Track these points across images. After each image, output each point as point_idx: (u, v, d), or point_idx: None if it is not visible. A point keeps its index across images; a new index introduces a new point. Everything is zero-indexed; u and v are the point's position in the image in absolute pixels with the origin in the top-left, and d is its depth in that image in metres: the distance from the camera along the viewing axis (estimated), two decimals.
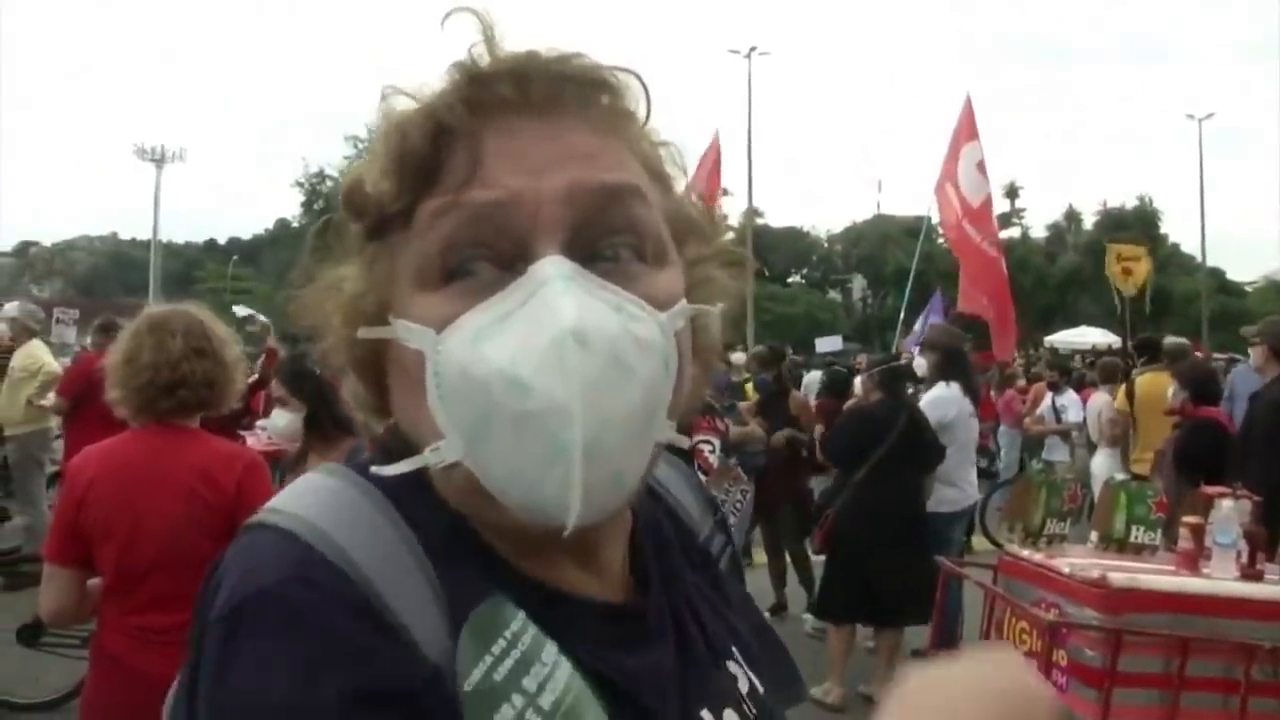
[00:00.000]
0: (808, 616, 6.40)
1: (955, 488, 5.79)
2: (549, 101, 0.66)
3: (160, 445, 2.53)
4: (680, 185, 0.74)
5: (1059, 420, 9.85)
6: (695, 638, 0.76)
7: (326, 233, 0.72)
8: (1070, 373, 12.36)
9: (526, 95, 0.66)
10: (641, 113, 0.71)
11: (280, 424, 3.34)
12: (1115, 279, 7.81)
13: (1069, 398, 10.04)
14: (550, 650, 0.63)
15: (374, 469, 0.67)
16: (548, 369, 0.60)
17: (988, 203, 10.35)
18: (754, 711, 0.77)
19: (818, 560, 6.04)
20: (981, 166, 10.45)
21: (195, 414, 2.61)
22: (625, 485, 0.64)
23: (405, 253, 0.67)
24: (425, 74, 0.68)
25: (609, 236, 0.66)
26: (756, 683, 0.79)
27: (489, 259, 0.65)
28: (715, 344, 0.75)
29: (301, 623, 0.58)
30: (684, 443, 0.69)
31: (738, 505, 5.29)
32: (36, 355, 7.69)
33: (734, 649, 0.80)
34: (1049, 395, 10.24)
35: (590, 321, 0.61)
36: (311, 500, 0.65)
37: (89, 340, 7.91)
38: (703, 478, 2.82)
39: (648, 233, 0.68)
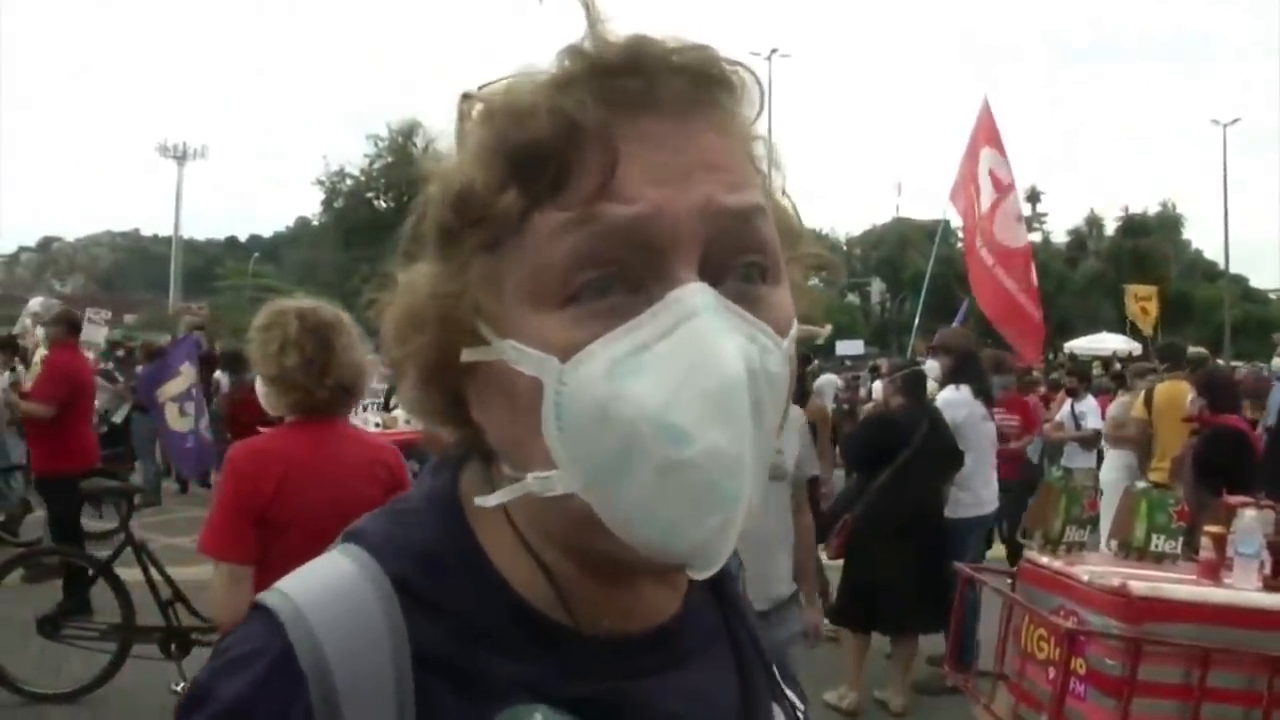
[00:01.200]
0: (823, 621, 6.37)
1: (970, 492, 5.74)
2: (676, 100, 0.59)
3: (334, 436, 2.60)
4: (779, 184, 0.68)
5: (1078, 427, 9.78)
6: (751, 653, 0.75)
7: (421, 228, 0.64)
8: (1090, 379, 12.23)
9: (655, 92, 0.59)
10: (753, 112, 0.64)
11: None
12: (1136, 318, 7.88)
13: (1088, 404, 9.96)
14: None
15: (478, 501, 0.64)
16: (711, 416, 0.55)
17: (994, 208, 10.23)
18: None
19: (834, 565, 6.01)
20: (994, 173, 10.34)
21: None
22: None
23: (515, 263, 0.60)
24: (482, 70, 0.62)
25: (739, 255, 0.61)
26: (796, 700, 0.80)
27: (619, 278, 0.58)
28: None
29: None
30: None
31: None
32: None
33: (774, 668, 0.80)
34: (1068, 401, 10.17)
35: (751, 365, 0.57)
36: (315, 586, 0.63)
37: (42, 334, 7.57)
38: None
39: (770, 252, 0.63)
